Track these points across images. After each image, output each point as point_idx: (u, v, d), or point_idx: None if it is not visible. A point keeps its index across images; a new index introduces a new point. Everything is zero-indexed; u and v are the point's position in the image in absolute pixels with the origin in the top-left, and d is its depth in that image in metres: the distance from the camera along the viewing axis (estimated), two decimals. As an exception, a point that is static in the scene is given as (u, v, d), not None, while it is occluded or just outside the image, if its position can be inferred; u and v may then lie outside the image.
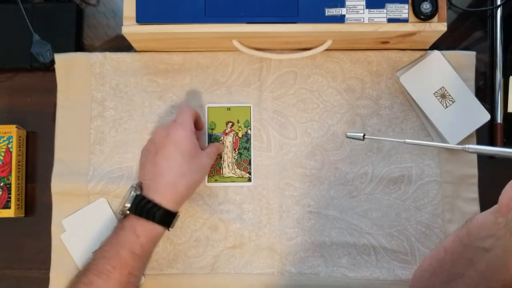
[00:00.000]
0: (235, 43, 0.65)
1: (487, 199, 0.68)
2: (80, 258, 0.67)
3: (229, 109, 0.70)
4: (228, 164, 0.69)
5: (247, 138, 0.69)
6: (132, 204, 0.58)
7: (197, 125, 0.65)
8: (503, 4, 0.70)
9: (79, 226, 0.67)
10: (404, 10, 0.61)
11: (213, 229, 0.68)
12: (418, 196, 0.68)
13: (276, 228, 0.67)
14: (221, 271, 0.67)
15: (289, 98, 0.70)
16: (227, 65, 0.70)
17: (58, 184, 0.68)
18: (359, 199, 0.68)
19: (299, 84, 0.70)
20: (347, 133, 0.56)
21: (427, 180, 0.68)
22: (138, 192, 0.59)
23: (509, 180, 0.70)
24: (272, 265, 0.67)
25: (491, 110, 0.70)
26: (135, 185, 0.60)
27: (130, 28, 0.62)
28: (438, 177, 0.68)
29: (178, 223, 0.67)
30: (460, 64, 0.69)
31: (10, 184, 0.67)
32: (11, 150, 0.68)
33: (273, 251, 0.67)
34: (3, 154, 0.68)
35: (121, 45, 0.69)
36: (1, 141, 0.68)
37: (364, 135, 0.55)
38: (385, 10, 0.61)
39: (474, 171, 0.68)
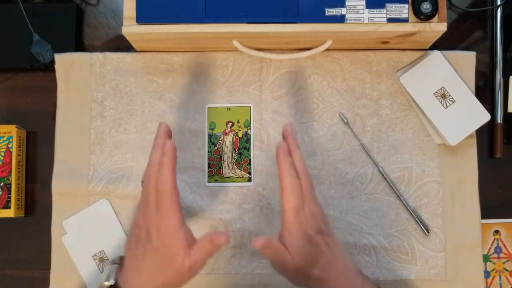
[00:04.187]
0: (235, 43, 0.65)
1: (487, 199, 0.68)
2: (81, 261, 0.67)
3: (229, 109, 0.70)
4: (228, 164, 0.69)
5: (247, 138, 0.69)
6: None
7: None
8: (503, 4, 0.71)
9: (80, 228, 0.67)
10: (404, 10, 0.61)
11: (213, 229, 0.68)
12: (419, 196, 0.68)
13: (276, 228, 0.66)
14: (221, 271, 0.67)
15: (289, 98, 0.70)
16: (227, 65, 0.70)
17: (59, 185, 0.68)
18: (359, 199, 0.68)
19: (299, 84, 0.70)
20: None
21: (427, 180, 0.68)
22: (113, 282, 0.53)
23: (510, 180, 0.71)
24: (272, 265, 0.67)
25: (491, 110, 0.70)
26: (116, 262, 0.55)
27: (130, 28, 0.62)
28: (438, 177, 0.68)
29: (178, 223, 0.67)
30: (460, 64, 0.69)
31: (10, 184, 0.67)
32: (11, 150, 0.67)
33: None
34: (3, 154, 0.68)
35: (121, 45, 0.69)
36: (1, 141, 0.68)
37: None
38: (385, 10, 0.61)
39: (474, 171, 0.68)
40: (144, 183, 0.54)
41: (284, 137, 0.57)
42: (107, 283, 0.52)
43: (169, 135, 0.56)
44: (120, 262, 0.55)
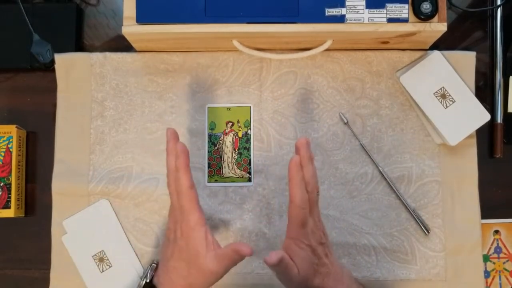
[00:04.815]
0: (235, 43, 0.65)
1: (487, 199, 0.68)
2: (81, 261, 0.67)
3: (229, 109, 0.70)
4: (228, 164, 0.69)
5: (247, 138, 0.69)
6: None
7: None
8: (503, 4, 0.71)
9: (80, 228, 0.67)
10: (404, 10, 0.61)
11: (213, 229, 0.68)
12: (418, 196, 0.68)
13: (276, 228, 0.67)
14: (221, 271, 0.67)
15: (289, 98, 0.70)
16: (227, 65, 0.70)
17: (59, 185, 0.68)
18: (359, 199, 0.68)
19: (299, 84, 0.70)
20: None
21: (427, 180, 0.68)
22: (148, 280, 0.57)
23: (510, 180, 0.71)
24: (272, 265, 0.67)
25: (491, 110, 0.70)
26: (155, 264, 0.59)
27: (130, 28, 0.62)
28: (438, 177, 0.68)
29: (178, 223, 0.67)
30: (460, 64, 0.69)
31: (10, 184, 0.67)
32: (11, 150, 0.67)
33: (274, 251, 0.67)
34: (3, 154, 0.68)
35: (121, 45, 0.69)
36: (1, 141, 0.68)
37: None
38: (385, 10, 0.61)
39: (474, 171, 0.68)
40: (168, 189, 0.57)
41: (297, 149, 0.56)
42: (143, 282, 0.57)
43: (177, 138, 0.58)
44: (157, 262, 0.59)
